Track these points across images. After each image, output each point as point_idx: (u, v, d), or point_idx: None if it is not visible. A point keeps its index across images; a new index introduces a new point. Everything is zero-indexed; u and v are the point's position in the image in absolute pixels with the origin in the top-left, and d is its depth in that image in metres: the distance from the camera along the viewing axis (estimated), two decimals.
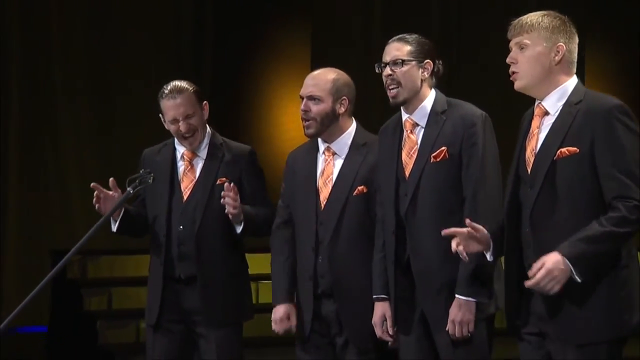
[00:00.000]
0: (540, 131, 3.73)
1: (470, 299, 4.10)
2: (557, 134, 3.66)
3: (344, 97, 4.49)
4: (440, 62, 4.30)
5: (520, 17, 3.79)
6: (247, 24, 10.72)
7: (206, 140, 4.81)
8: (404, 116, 4.30)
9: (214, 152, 4.81)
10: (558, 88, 3.72)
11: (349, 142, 4.53)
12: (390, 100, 4.27)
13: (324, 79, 4.52)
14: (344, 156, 4.53)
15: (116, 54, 10.75)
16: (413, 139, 4.26)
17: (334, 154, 4.55)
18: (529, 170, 3.72)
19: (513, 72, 3.75)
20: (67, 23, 10.59)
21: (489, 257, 3.85)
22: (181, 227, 4.74)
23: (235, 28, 10.79)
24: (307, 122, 4.51)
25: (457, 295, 4.11)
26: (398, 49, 4.25)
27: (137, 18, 10.78)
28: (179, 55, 11.19)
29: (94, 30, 10.71)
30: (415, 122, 4.26)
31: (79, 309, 8.80)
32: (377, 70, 4.28)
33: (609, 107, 3.61)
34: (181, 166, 4.83)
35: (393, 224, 4.26)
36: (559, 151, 3.63)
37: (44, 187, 10.32)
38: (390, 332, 4.35)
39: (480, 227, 3.75)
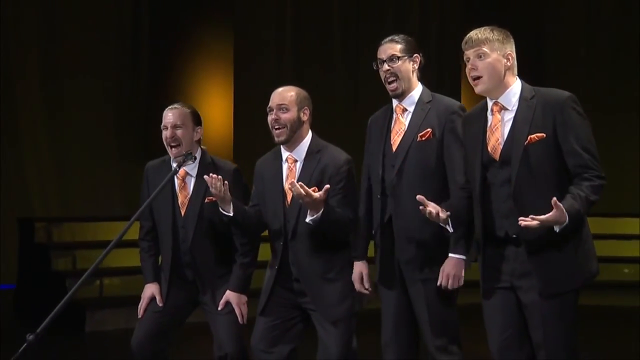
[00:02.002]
0: (503, 124, 4.00)
1: (461, 257, 4.30)
2: (523, 124, 3.93)
3: (306, 107, 4.68)
4: (420, 55, 4.57)
5: (471, 34, 4.03)
6: (178, 26, 11.16)
7: (196, 160, 4.92)
8: (395, 102, 4.54)
9: (203, 170, 4.87)
10: (510, 87, 4.00)
11: (306, 148, 4.68)
12: (390, 92, 4.52)
13: (288, 92, 4.68)
14: (301, 161, 4.67)
15: (64, 49, 11.28)
16: (402, 121, 4.50)
17: (295, 160, 4.68)
18: (498, 156, 3.97)
19: (475, 79, 3.98)
20: (20, 23, 11.10)
21: (449, 229, 4.20)
22: (183, 241, 4.93)
23: (167, 29, 11.24)
24: (278, 130, 4.63)
25: (451, 255, 4.31)
26: (392, 47, 4.49)
27: (83, 18, 11.35)
28: (120, 51, 11.76)
29: (45, 27, 11.25)
30: (404, 107, 4.51)
31: (47, 269, 9.24)
32: (374, 68, 4.54)
33: (564, 98, 3.91)
34: (176, 183, 4.96)
35: (379, 190, 4.50)
36: (529, 137, 3.89)
37: (4, 167, 10.89)
38: (366, 286, 4.58)
39: (440, 210, 4.09)
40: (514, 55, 4.03)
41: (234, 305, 4.86)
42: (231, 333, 4.84)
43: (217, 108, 11.11)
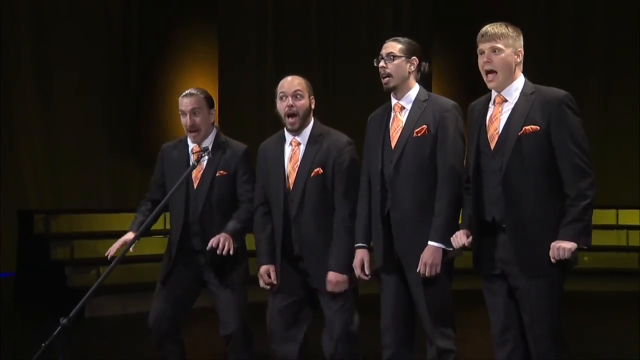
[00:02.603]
0: (502, 115, 4.14)
1: (439, 245, 4.40)
2: (519, 116, 4.07)
3: (312, 96, 4.86)
4: (427, 63, 4.67)
5: (487, 28, 4.13)
6: (165, 28, 11.44)
7: (211, 139, 5.14)
8: (394, 101, 4.62)
9: (216, 149, 5.13)
10: (514, 82, 4.14)
11: (309, 133, 4.83)
12: (384, 86, 4.60)
13: (298, 81, 4.86)
14: (304, 144, 4.83)
15: (56, 50, 11.50)
16: (400, 118, 4.59)
17: (299, 143, 4.84)
18: (493, 145, 4.12)
19: (488, 72, 4.13)
20: (14, 23, 11.30)
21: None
22: (193, 212, 5.10)
23: (155, 30, 11.53)
24: (292, 119, 4.79)
25: (429, 242, 4.42)
26: (392, 46, 4.58)
27: (74, 19, 11.61)
28: (109, 51, 12.01)
29: (37, 28, 11.44)
30: (402, 105, 4.60)
31: (46, 258, 9.48)
32: (375, 64, 4.62)
33: (560, 96, 4.04)
34: (191, 158, 5.14)
35: (379, 183, 4.58)
36: (523, 128, 4.03)
37: (3, 164, 11.12)
38: (367, 272, 4.64)
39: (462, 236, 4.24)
40: (523, 51, 4.17)
41: (220, 238, 4.91)
42: (234, 312, 5.05)
43: None
